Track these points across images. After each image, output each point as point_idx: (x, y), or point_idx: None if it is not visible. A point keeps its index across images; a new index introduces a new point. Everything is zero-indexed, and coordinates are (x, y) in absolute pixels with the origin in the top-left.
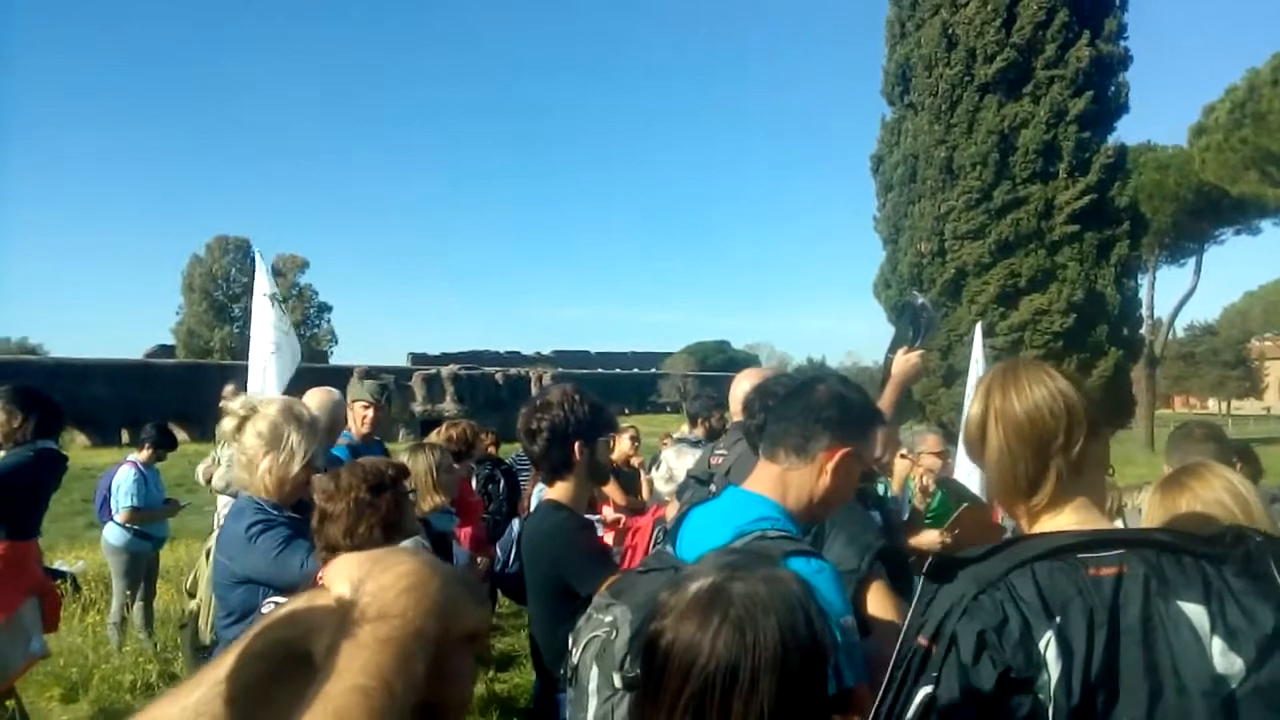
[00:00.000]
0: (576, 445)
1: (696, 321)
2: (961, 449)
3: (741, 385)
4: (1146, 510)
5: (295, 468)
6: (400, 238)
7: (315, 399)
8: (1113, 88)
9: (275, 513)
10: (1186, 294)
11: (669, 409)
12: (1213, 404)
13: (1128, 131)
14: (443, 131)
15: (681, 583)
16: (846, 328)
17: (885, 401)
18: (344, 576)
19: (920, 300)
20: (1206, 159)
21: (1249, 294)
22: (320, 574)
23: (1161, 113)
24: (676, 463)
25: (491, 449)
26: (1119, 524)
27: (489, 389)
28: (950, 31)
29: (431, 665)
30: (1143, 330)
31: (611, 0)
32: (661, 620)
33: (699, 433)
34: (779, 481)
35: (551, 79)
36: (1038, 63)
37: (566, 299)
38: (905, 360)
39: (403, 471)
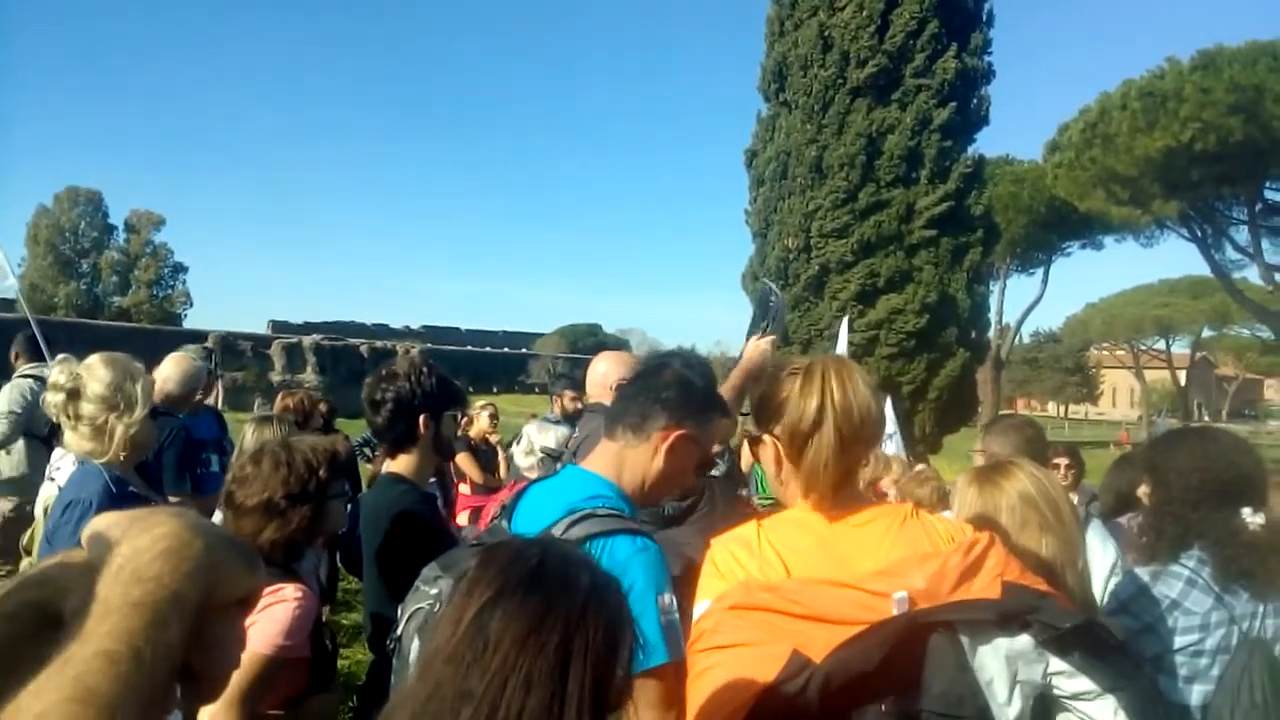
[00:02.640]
0: (422, 418)
1: (570, 303)
2: None
3: (599, 367)
4: (958, 501)
5: (143, 423)
6: (266, 199)
7: (174, 365)
8: (975, 100)
9: (116, 490)
10: (1033, 302)
11: (537, 390)
12: (1052, 407)
13: (987, 143)
14: (315, 90)
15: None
16: (717, 317)
17: (730, 385)
18: (102, 537)
19: (771, 287)
20: (1058, 175)
21: (1090, 305)
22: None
23: (1019, 128)
24: (537, 437)
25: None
26: (946, 514)
27: (353, 361)
28: (826, 34)
29: (192, 631)
30: (991, 334)
31: None
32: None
33: (557, 411)
34: (615, 460)
35: (432, 41)
36: (907, 71)
37: (439, 273)
38: (755, 346)
39: (340, 468)
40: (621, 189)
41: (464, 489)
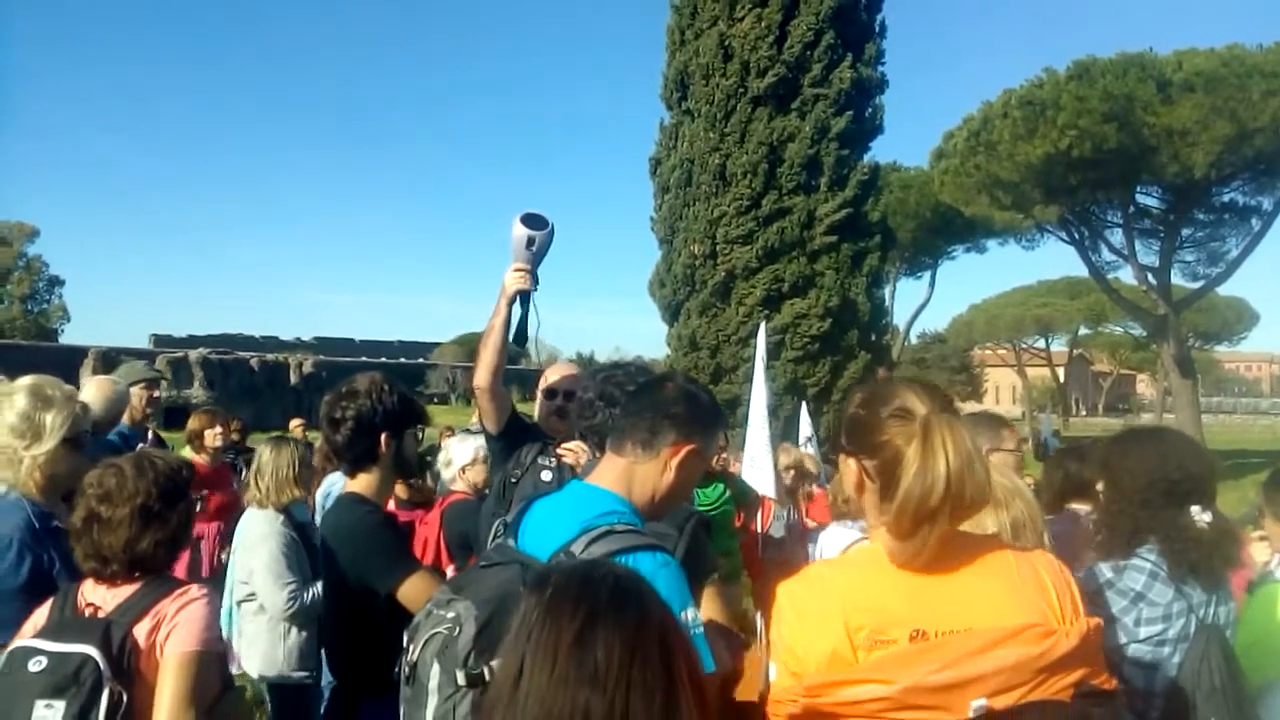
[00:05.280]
0: (383, 436)
1: (467, 313)
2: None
3: (551, 378)
4: None
5: (59, 454)
6: (144, 209)
7: (97, 389)
8: (870, 109)
9: (39, 524)
10: (922, 304)
11: (436, 400)
12: None
13: (881, 151)
14: (190, 98)
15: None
16: (618, 324)
17: (495, 316)
18: None
19: (515, 219)
20: (945, 181)
21: (974, 306)
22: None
23: (907, 136)
24: (458, 449)
25: (235, 437)
26: None
27: (243, 375)
28: (727, 44)
29: None
30: (886, 337)
31: None
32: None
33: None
34: (625, 475)
35: (321, 45)
36: (805, 80)
37: (331, 283)
38: (503, 278)
39: (193, 474)
40: (522, 196)
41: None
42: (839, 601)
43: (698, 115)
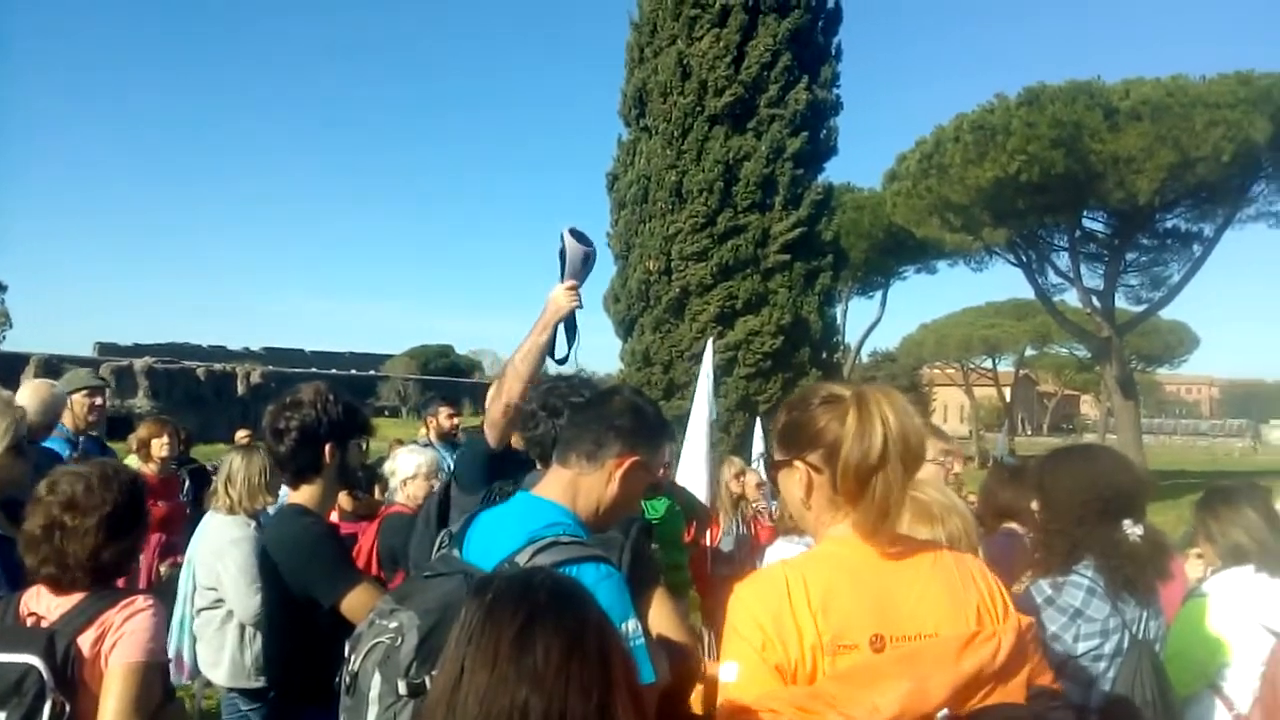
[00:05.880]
0: (328, 447)
1: (421, 325)
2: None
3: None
4: None
5: (4, 462)
6: (92, 213)
7: (33, 393)
8: (825, 130)
9: None
10: (873, 323)
11: (387, 412)
12: None
13: (835, 172)
14: (130, 101)
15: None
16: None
17: (530, 336)
18: None
19: (563, 234)
20: (897, 203)
21: (924, 326)
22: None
23: (861, 158)
24: (403, 461)
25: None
26: None
27: (189, 385)
28: (685, 62)
29: None
30: (837, 355)
31: None
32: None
33: (432, 432)
34: (570, 487)
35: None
36: (762, 101)
37: (282, 292)
38: (552, 293)
39: (145, 485)
40: (479, 209)
41: (333, 516)
42: (803, 603)
43: (655, 132)
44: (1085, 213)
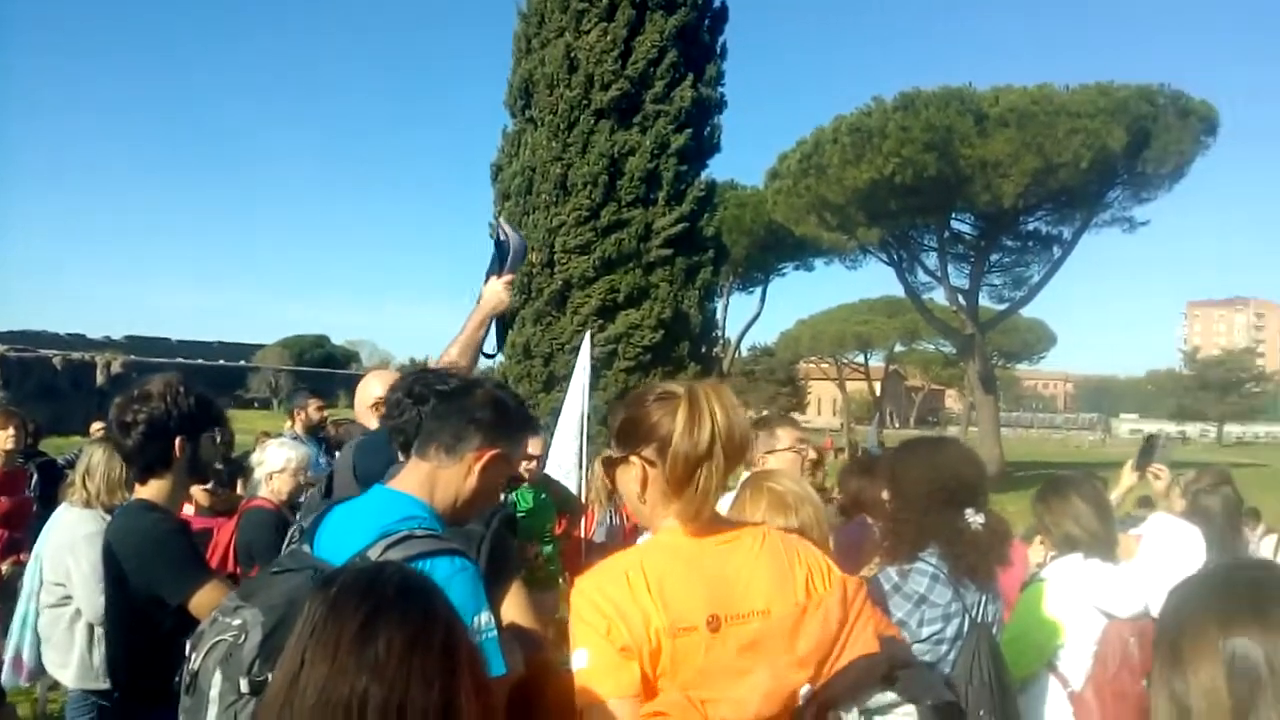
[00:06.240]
0: (177, 441)
1: (295, 315)
2: (556, 450)
3: (370, 386)
4: (738, 500)
5: None
6: None
7: None
8: (709, 128)
9: None
10: (752, 318)
11: (257, 404)
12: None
13: (718, 169)
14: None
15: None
16: (453, 328)
17: (468, 330)
18: None
19: (502, 226)
20: (777, 201)
21: (801, 321)
22: None
23: (743, 156)
24: (273, 454)
25: (30, 440)
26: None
27: (44, 374)
28: (572, 55)
29: None
30: (716, 349)
31: None
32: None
33: (299, 425)
34: (428, 479)
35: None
36: (647, 96)
37: (146, 280)
38: (490, 288)
39: None
40: (359, 194)
41: (188, 509)
42: (643, 589)
43: (541, 124)
44: (954, 214)
